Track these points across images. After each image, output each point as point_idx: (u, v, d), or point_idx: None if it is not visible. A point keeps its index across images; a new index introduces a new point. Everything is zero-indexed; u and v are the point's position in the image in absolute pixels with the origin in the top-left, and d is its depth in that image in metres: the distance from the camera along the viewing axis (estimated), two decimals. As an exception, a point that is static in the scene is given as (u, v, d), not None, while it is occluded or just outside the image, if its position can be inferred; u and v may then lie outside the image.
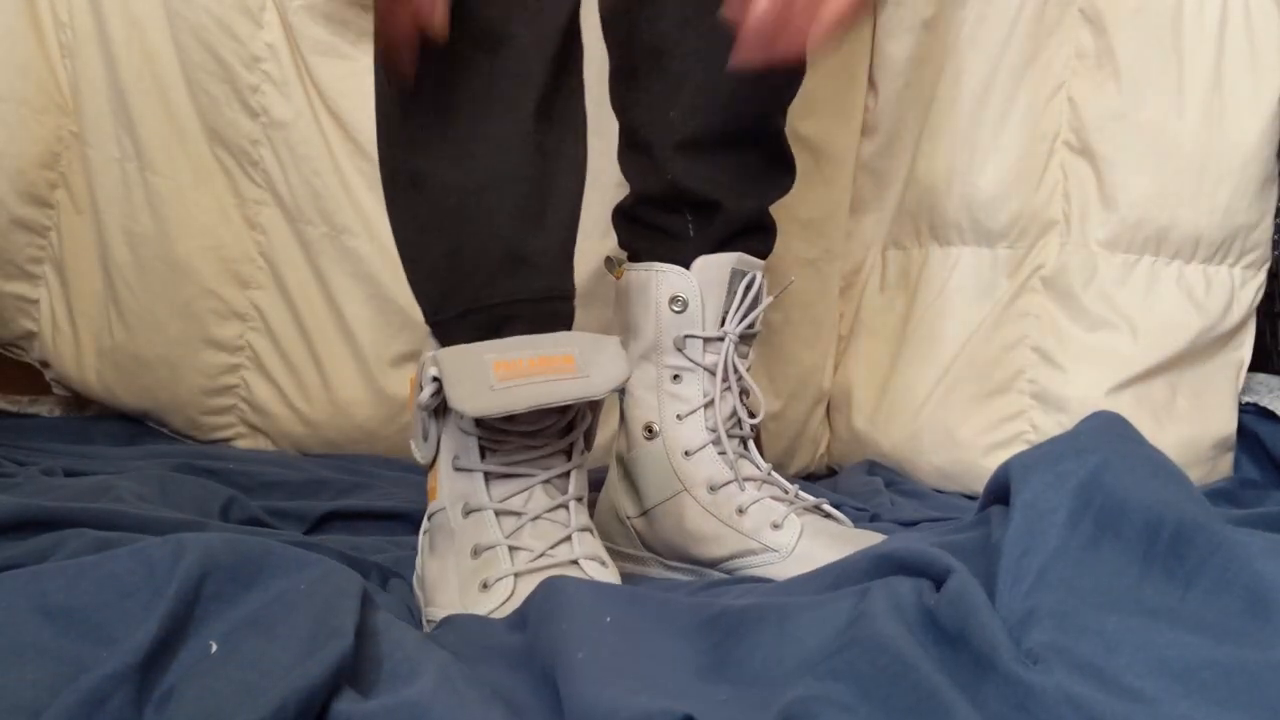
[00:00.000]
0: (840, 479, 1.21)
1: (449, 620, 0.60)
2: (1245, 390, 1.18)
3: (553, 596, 0.53)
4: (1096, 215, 1.14)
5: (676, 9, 0.80)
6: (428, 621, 0.67)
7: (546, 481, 0.68)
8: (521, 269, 0.70)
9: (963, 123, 1.21)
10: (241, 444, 1.21)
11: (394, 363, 1.18)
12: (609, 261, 0.84)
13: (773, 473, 0.81)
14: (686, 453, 0.79)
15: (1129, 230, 1.13)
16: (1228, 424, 1.15)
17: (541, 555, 0.65)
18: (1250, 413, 1.18)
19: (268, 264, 1.19)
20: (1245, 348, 1.17)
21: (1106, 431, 0.52)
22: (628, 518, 0.82)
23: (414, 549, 0.75)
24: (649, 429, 0.81)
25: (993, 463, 1.15)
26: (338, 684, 0.43)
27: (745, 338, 0.81)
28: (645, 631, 0.50)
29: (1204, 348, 1.14)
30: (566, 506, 0.68)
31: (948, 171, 1.22)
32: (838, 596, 0.49)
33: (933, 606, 0.46)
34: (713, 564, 0.78)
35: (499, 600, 0.63)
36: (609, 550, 0.83)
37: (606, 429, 1.20)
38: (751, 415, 0.81)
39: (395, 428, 1.18)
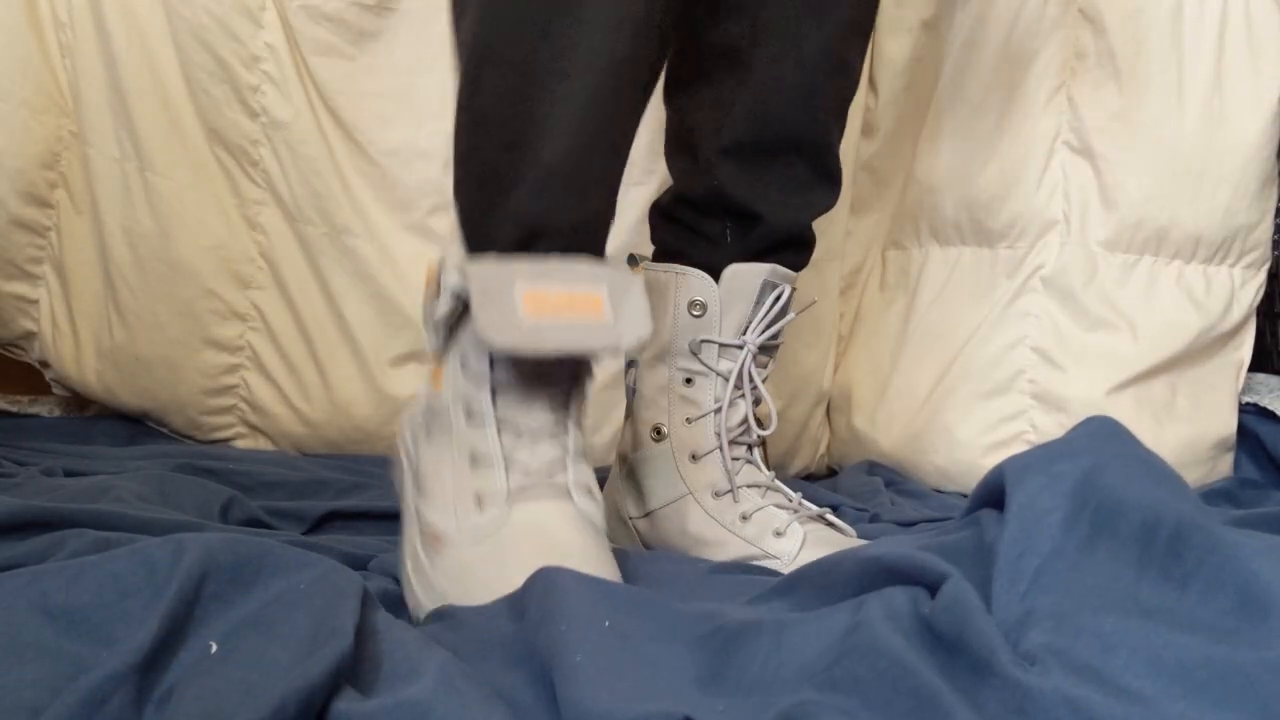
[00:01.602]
0: (840, 479, 1.21)
1: (448, 614, 0.60)
2: (1245, 390, 1.18)
3: (552, 594, 0.53)
4: (1096, 215, 1.14)
5: (751, 12, 0.79)
6: (416, 512, 0.66)
7: (552, 401, 0.66)
8: (566, 186, 0.67)
9: (963, 123, 1.21)
10: (241, 444, 1.21)
11: (394, 363, 1.18)
12: (632, 258, 0.84)
13: (776, 480, 0.81)
14: (694, 456, 0.79)
15: (1129, 230, 1.13)
16: (1228, 424, 1.15)
17: (535, 476, 0.64)
18: (1250, 413, 1.18)
19: (268, 264, 1.19)
20: (1245, 348, 1.17)
21: (1101, 434, 0.52)
22: (630, 518, 0.82)
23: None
24: (657, 431, 0.81)
25: (992, 463, 1.15)
26: (337, 684, 0.43)
27: (766, 349, 0.81)
28: (644, 638, 0.50)
29: (1204, 348, 1.14)
30: (567, 428, 0.67)
31: (948, 171, 1.22)
32: (835, 610, 0.49)
33: (929, 614, 0.46)
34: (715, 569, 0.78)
35: (492, 523, 0.63)
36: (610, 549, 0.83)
37: (609, 429, 1.20)
38: (761, 425, 0.81)
39: (395, 428, 1.18)
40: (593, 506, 0.66)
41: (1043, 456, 0.51)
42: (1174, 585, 0.45)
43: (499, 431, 0.65)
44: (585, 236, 0.67)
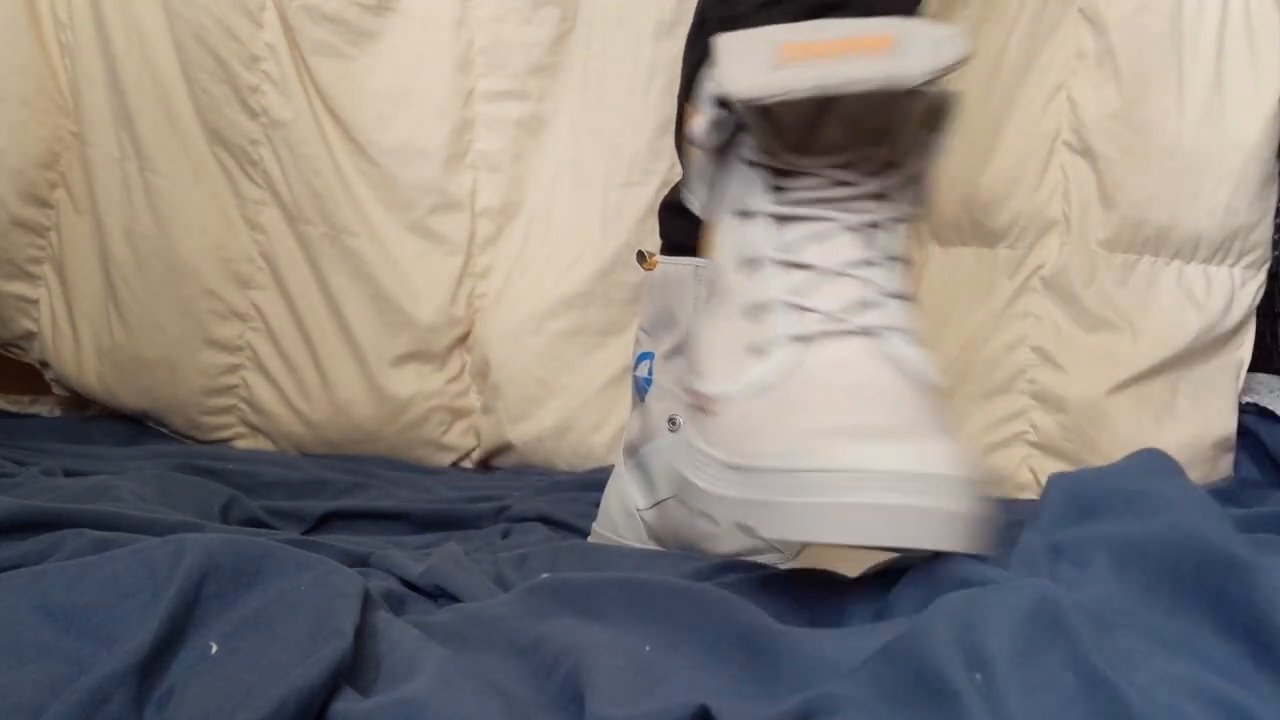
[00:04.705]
0: (840, 479, 1.21)
1: (459, 608, 0.60)
2: (1245, 390, 1.18)
3: (575, 591, 0.53)
4: (1096, 215, 1.14)
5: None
6: (689, 393, 0.56)
7: (855, 229, 0.54)
8: None
9: (963, 123, 1.21)
10: (241, 444, 1.21)
11: (394, 363, 1.18)
12: (641, 255, 0.84)
13: None
14: None
15: (1129, 230, 1.13)
16: (1228, 424, 1.15)
17: (832, 320, 0.52)
18: (1250, 413, 1.18)
19: (268, 264, 1.19)
20: (1245, 348, 1.17)
21: (1147, 467, 0.52)
22: (637, 509, 0.82)
23: (414, 549, 0.75)
24: (672, 421, 0.80)
25: (992, 463, 1.16)
26: (337, 684, 0.43)
27: None
28: (665, 635, 0.50)
29: (1204, 348, 1.14)
30: (875, 260, 0.53)
31: (948, 171, 1.21)
32: (876, 628, 0.50)
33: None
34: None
35: (777, 370, 0.51)
36: (615, 542, 0.83)
37: (609, 428, 1.20)
38: None
39: (395, 428, 1.18)
40: (914, 353, 0.53)
41: (1083, 476, 0.51)
42: (1197, 619, 0.45)
43: (786, 268, 0.53)
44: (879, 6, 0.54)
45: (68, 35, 1.18)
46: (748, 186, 0.55)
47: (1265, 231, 1.15)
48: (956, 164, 1.21)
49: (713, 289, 0.60)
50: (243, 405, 1.20)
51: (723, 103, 0.55)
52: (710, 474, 0.53)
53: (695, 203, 0.60)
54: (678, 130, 0.85)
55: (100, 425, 1.21)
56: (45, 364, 1.24)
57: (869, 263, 0.54)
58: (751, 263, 0.55)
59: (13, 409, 1.24)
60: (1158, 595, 0.48)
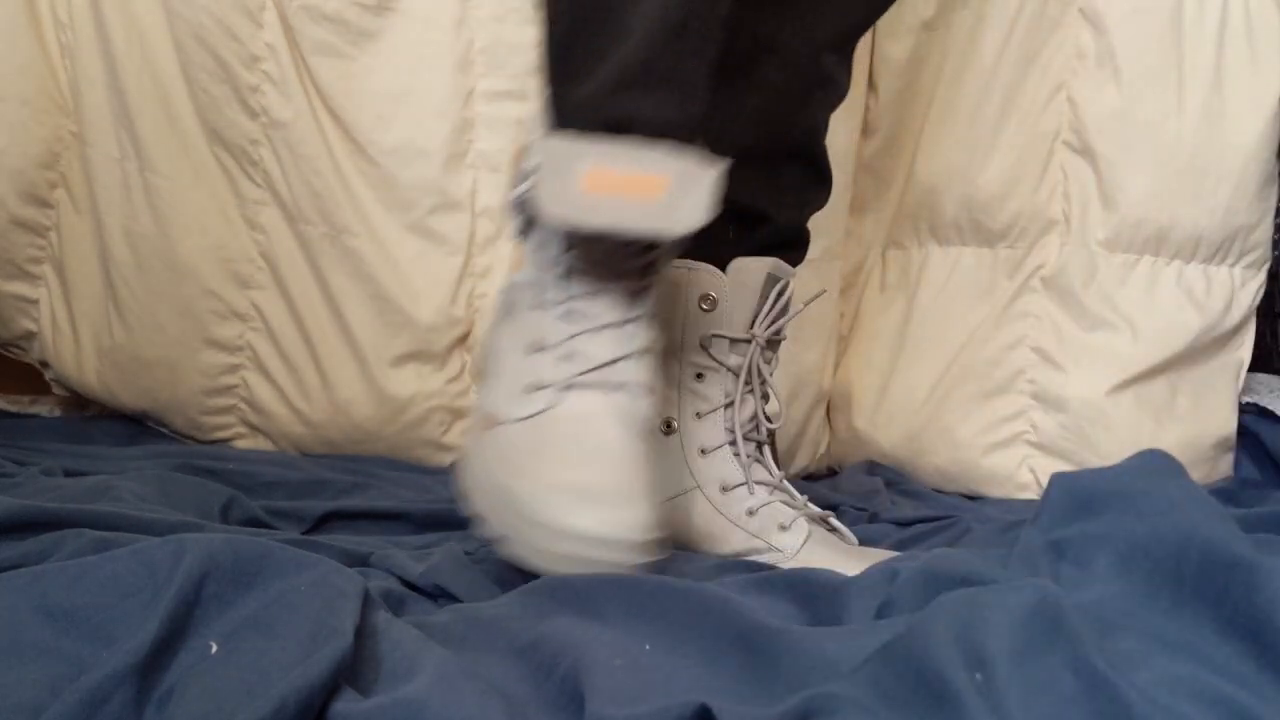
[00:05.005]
0: (840, 479, 1.21)
1: (459, 608, 0.60)
2: (1245, 390, 1.18)
3: (576, 592, 0.53)
4: (1096, 215, 1.14)
5: (749, 25, 0.79)
6: (480, 401, 0.66)
7: (622, 294, 0.65)
8: (662, 85, 0.65)
9: (963, 123, 1.21)
10: (241, 444, 1.21)
11: (394, 363, 1.18)
12: None
13: (785, 481, 0.81)
14: (703, 451, 0.80)
15: (1129, 230, 1.13)
16: (1228, 424, 1.15)
17: (594, 370, 0.63)
18: (1250, 413, 1.18)
19: (268, 264, 1.19)
20: (1245, 348, 1.17)
21: (1149, 468, 0.52)
22: None
23: (414, 549, 0.75)
24: (668, 424, 0.81)
25: (993, 463, 1.17)
26: (337, 684, 0.43)
27: (771, 343, 0.82)
28: (666, 635, 0.50)
29: (1204, 348, 1.14)
30: (634, 324, 0.65)
31: (948, 171, 1.22)
32: (875, 627, 0.50)
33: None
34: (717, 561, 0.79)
35: (536, 408, 0.63)
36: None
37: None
38: (769, 420, 0.81)
39: (395, 428, 1.18)
40: (647, 406, 0.64)
41: (1085, 475, 0.51)
42: (1199, 620, 0.45)
43: (564, 318, 0.65)
44: (670, 130, 0.65)
45: (68, 35, 1.18)
46: (545, 246, 0.66)
47: (1265, 231, 1.15)
48: (956, 164, 1.21)
49: (510, 310, 0.68)
50: (243, 405, 1.20)
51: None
52: (478, 475, 0.65)
53: (511, 225, 0.70)
54: None
55: (100, 425, 1.21)
56: (45, 364, 1.24)
57: (631, 325, 0.66)
58: (542, 299, 0.66)
59: (13, 409, 1.24)
60: (1159, 595, 0.48)
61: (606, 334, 0.65)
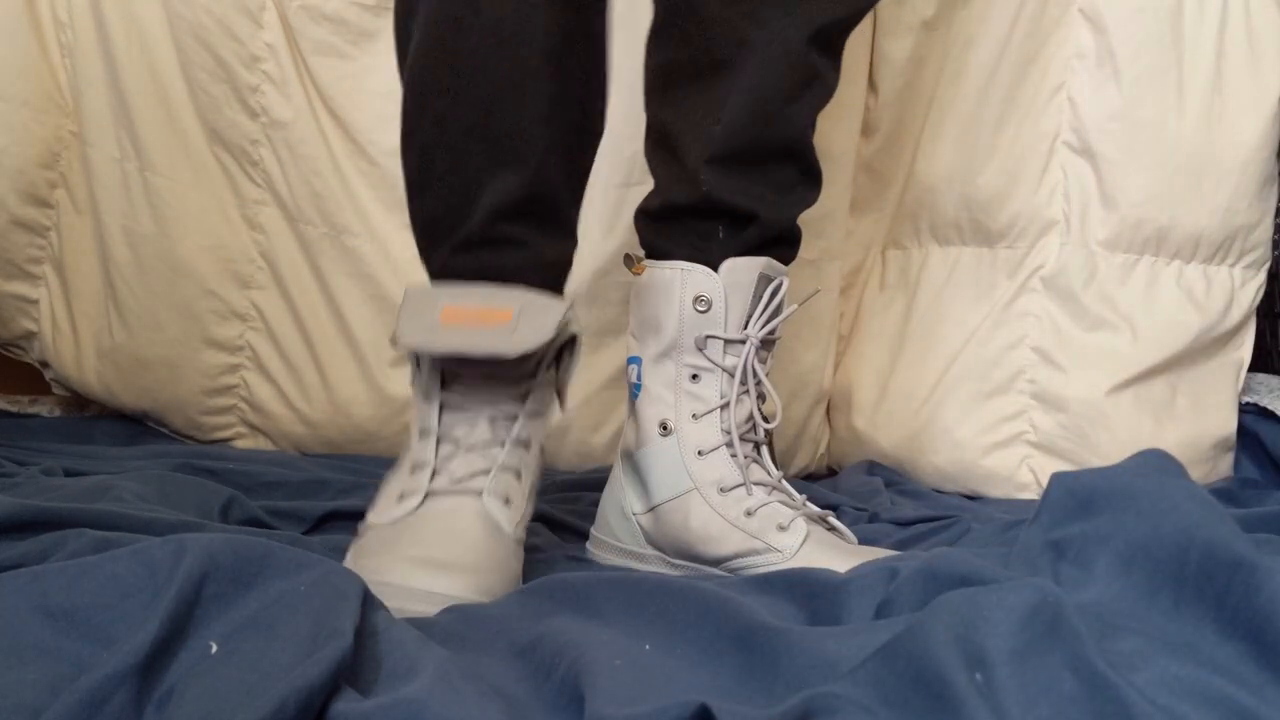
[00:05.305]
0: (840, 479, 1.21)
1: (460, 608, 0.60)
2: (1245, 390, 1.18)
3: (575, 592, 0.53)
4: (1096, 215, 1.14)
5: (735, 24, 0.80)
6: (368, 526, 0.72)
7: (494, 420, 0.73)
8: (509, 245, 0.75)
9: (963, 123, 1.21)
10: (241, 444, 1.21)
11: (394, 363, 1.18)
12: (628, 258, 0.84)
13: (783, 480, 0.81)
14: (700, 452, 0.80)
15: (1129, 230, 1.13)
16: (1228, 424, 1.15)
17: (457, 482, 0.71)
18: (1250, 413, 1.18)
19: (268, 264, 1.19)
20: (1245, 348, 1.17)
21: (1149, 466, 0.52)
22: (634, 514, 0.83)
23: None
24: (664, 426, 0.81)
25: (993, 463, 1.17)
26: (337, 684, 0.43)
27: (765, 343, 0.82)
28: (666, 636, 0.50)
29: (1204, 348, 1.14)
30: (502, 445, 0.73)
31: (948, 171, 1.22)
32: (875, 626, 0.50)
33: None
34: (716, 563, 0.78)
35: (404, 510, 0.70)
36: (613, 547, 0.83)
37: (609, 428, 1.20)
38: (766, 420, 0.81)
39: (395, 428, 1.18)
40: (502, 511, 0.71)
41: (1085, 475, 0.51)
42: (1200, 620, 0.45)
43: (439, 443, 0.73)
44: (520, 276, 0.74)
45: (68, 35, 1.18)
46: (431, 379, 0.74)
47: (1265, 231, 1.15)
48: (957, 164, 1.21)
49: (406, 449, 0.75)
50: (243, 405, 1.20)
51: None
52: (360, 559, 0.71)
53: (410, 378, 0.78)
54: (648, 139, 0.85)
55: (100, 425, 1.21)
56: (45, 364, 1.24)
57: (499, 446, 0.73)
58: (423, 430, 0.74)
59: (13, 409, 1.24)
60: (1160, 596, 0.48)
61: (475, 455, 0.73)
